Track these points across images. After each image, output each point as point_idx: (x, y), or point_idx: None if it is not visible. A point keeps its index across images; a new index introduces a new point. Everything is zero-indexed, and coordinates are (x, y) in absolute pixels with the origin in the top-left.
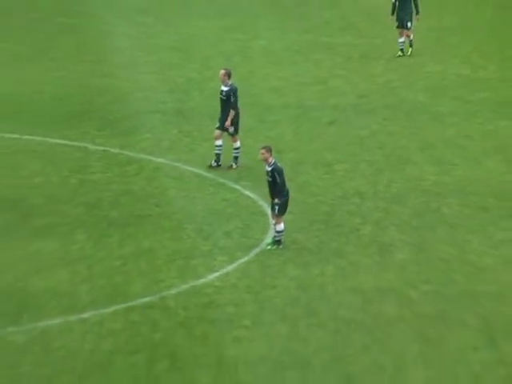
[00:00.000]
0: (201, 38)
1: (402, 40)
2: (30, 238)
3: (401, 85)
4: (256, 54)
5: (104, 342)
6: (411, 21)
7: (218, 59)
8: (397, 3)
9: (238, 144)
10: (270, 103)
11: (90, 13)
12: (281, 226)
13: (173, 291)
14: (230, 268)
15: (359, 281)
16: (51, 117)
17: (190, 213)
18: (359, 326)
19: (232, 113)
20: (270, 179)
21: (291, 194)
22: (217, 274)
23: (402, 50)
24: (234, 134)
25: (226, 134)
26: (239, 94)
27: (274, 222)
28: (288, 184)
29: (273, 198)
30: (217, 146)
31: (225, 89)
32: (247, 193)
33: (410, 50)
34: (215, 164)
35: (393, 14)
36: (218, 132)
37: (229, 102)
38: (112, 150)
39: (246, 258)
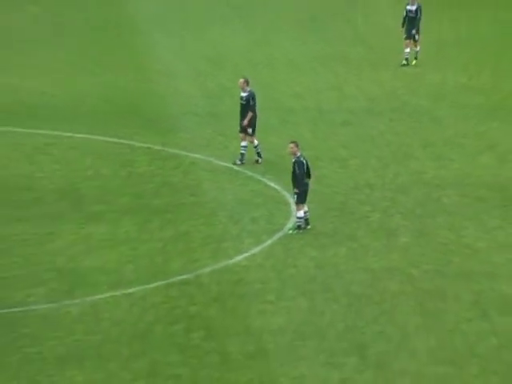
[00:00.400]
0: (231, 50)
1: (407, 50)
2: (83, 223)
3: (405, 91)
4: (279, 64)
5: (146, 313)
6: (419, 34)
7: (246, 68)
8: (407, 18)
9: (256, 142)
10: (291, 106)
11: (136, 27)
12: (300, 213)
13: (207, 270)
14: (256, 250)
15: (368, 261)
16: (102, 118)
17: (222, 202)
18: (368, 300)
19: (250, 114)
20: (292, 170)
21: (311, 186)
22: (245, 255)
23: (406, 59)
24: (251, 135)
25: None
26: (264, 98)
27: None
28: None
29: (294, 188)
30: (242, 147)
31: (244, 94)
32: (272, 184)
33: (415, 61)
34: (239, 162)
35: (403, 26)
36: (242, 135)
37: (248, 105)
38: (154, 146)
39: (270, 241)
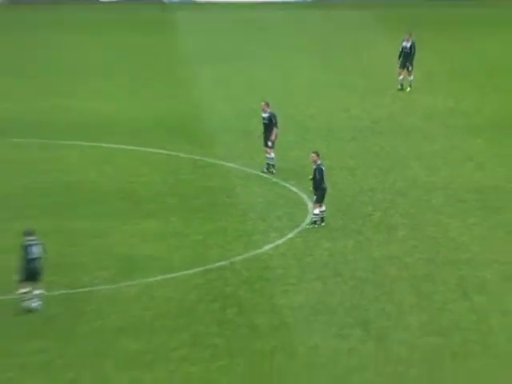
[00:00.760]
0: (259, 79)
1: (401, 78)
2: (138, 219)
3: (402, 113)
4: (297, 90)
5: (190, 293)
6: (412, 66)
7: (270, 94)
8: (402, 53)
9: (272, 155)
10: (308, 126)
11: (182, 59)
12: (316, 211)
13: (239, 258)
14: (279, 242)
15: (371, 251)
16: (154, 134)
17: (251, 203)
18: (371, 283)
19: (275, 130)
20: (313, 175)
21: (328, 191)
22: (270, 246)
23: (401, 85)
24: (271, 147)
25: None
26: (285, 119)
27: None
28: (327, 182)
29: (314, 190)
30: (268, 158)
31: (265, 115)
32: (293, 189)
33: (409, 88)
34: (266, 171)
35: (399, 59)
36: (266, 149)
37: (270, 124)
38: (196, 157)
39: (291, 235)
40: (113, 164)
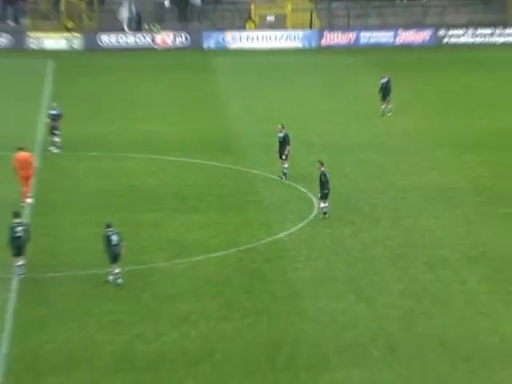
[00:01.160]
0: (277, 106)
1: (383, 107)
2: (186, 213)
3: (384, 133)
4: (307, 115)
5: (225, 269)
6: (390, 96)
7: (286, 117)
8: (382, 88)
9: (286, 165)
10: (314, 142)
11: (219, 92)
12: (321, 205)
13: (262, 242)
14: (293, 230)
15: (361, 236)
16: (197, 148)
17: (271, 200)
18: (363, 260)
19: (288, 147)
20: (319, 179)
21: (331, 192)
22: (285, 233)
23: (383, 112)
24: (285, 159)
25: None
26: (297, 137)
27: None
28: (331, 184)
29: (320, 189)
30: (284, 168)
31: (280, 135)
32: (303, 190)
33: (390, 114)
34: (284, 178)
35: (379, 93)
36: (281, 160)
37: (284, 142)
38: (230, 166)
39: (301, 224)
40: (166, 171)
